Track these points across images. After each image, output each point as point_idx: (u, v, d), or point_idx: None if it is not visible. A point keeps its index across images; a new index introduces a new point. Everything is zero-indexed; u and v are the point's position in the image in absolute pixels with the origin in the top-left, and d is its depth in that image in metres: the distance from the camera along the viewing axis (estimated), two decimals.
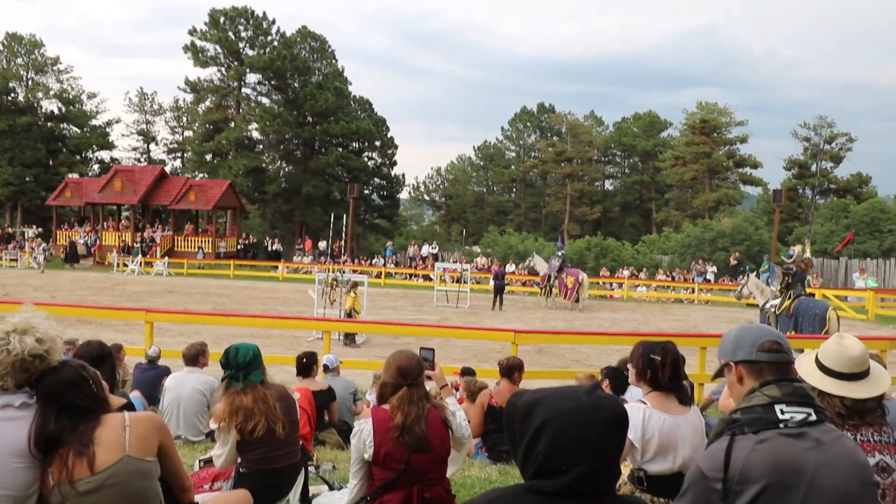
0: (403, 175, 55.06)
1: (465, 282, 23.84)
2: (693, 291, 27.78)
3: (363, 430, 3.16)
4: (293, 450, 3.51)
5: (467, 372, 7.85)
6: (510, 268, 30.89)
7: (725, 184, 49.38)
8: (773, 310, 12.97)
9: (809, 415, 2.00)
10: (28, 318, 2.54)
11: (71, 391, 2.48)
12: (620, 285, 29.93)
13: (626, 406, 3.27)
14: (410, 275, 32.78)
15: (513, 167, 58.77)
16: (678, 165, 49.14)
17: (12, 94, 47.63)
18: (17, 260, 33.46)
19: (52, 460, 2.45)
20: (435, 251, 37.39)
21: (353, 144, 50.68)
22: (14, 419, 2.45)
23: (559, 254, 24.24)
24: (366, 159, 51.69)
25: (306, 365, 6.25)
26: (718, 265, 31.73)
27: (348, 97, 50.93)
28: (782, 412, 1.99)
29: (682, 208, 50.60)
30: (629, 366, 3.42)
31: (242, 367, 3.39)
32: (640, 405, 3.18)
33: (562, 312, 21.59)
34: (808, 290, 22.28)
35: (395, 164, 54.06)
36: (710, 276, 30.17)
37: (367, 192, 50.55)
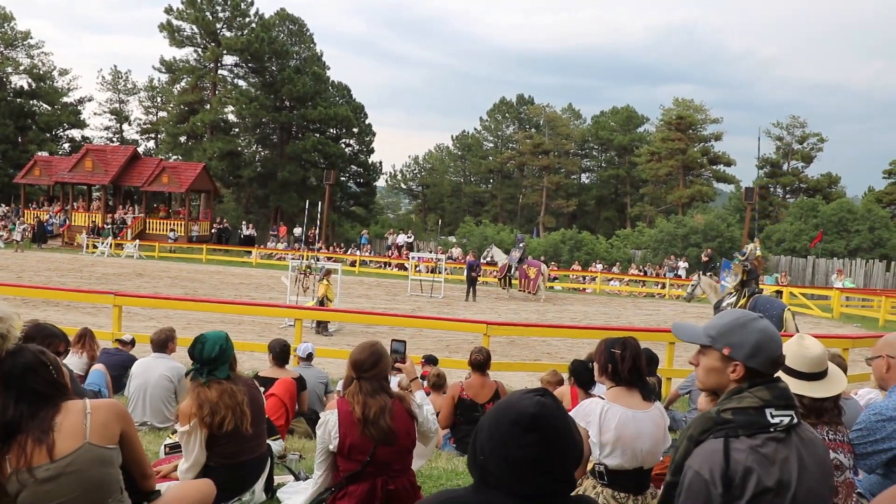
0: (381, 163, 54.83)
1: (439, 272, 23.86)
2: (664, 287, 28.13)
3: (329, 422, 3.16)
4: (259, 442, 3.50)
5: (430, 360, 7.87)
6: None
7: (699, 180, 49.97)
8: (728, 308, 12.49)
9: (792, 417, 2.05)
10: None
11: (30, 376, 2.44)
12: (593, 279, 30.20)
13: (585, 401, 3.33)
14: (385, 263, 32.73)
15: (490, 158, 58.83)
16: (653, 161, 49.59)
17: None
18: None
19: (9, 447, 2.42)
20: (411, 240, 37.36)
21: (331, 130, 50.27)
22: None
23: (520, 245, 24.37)
24: (343, 146, 51.30)
25: (283, 353, 6.23)
26: (690, 261, 32.15)
27: (326, 82, 50.46)
28: (772, 416, 2.01)
29: (656, 203, 51.13)
30: (594, 362, 3.49)
31: (207, 362, 3.35)
32: (598, 400, 3.23)
33: (535, 305, 21.73)
34: (774, 288, 22.64)
35: (372, 151, 53.79)
36: (681, 272, 30.56)
37: (343, 178, 50.23)
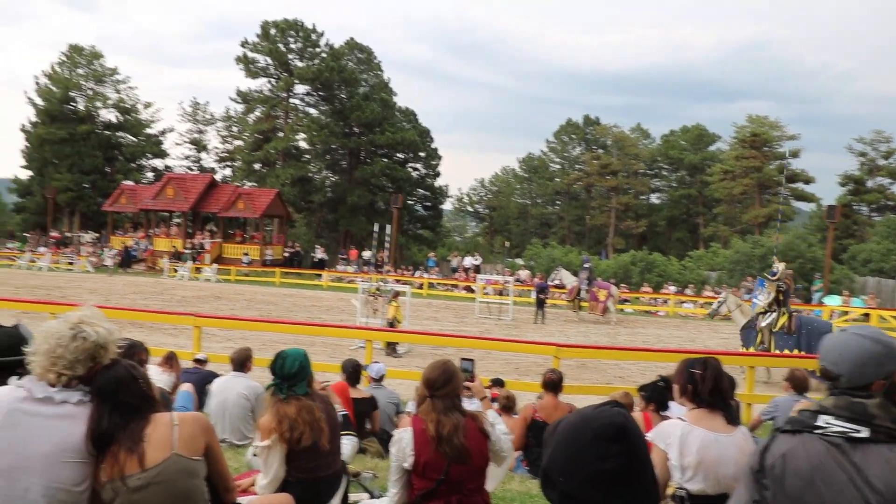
0: (447, 186, 55.33)
1: (507, 294, 23.75)
2: None
3: (403, 439, 3.18)
4: (335, 458, 3.55)
5: (497, 383, 7.83)
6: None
7: (776, 199, 48.16)
8: (768, 327, 12.69)
9: (857, 431, 1.95)
10: (90, 313, 2.65)
11: (123, 390, 2.56)
12: (665, 301, 29.41)
13: (664, 423, 3.24)
14: (453, 286, 32.83)
15: (557, 179, 58.45)
16: (727, 179, 48.13)
17: (73, 104, 49.53)
18: (73, 263, 34.65)
19: (104, 457, 2.53)
20: (478, 263, 37.39)
21: (398, 155, 51.15)
22: (70, 415, 2.54)
23: (585, 266, 24.02)
24: (410, 170, 52.09)
25: (355, 373, 6.33)
26: None
27: (393, 108, 51.49)
28: (824, 421, 2.00)
29: (730, 223, 49.48)
30: (674, 384, 3.40)
31: (287, 378, 3.44)
32: (678, 422, 3.13)
33: (605, 327, 21.32)
34: (862, 311, 21.49)
35: (438, 174, 54.37)
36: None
37: (410, 202, 50.89)
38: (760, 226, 45.10)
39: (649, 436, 3.04)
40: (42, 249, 37.22)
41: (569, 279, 24.18)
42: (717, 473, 3.00)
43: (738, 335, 14.17)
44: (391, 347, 13.87)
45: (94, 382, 2.58)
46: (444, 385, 3.22)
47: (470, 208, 63.40)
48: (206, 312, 18.21)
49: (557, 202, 59.84)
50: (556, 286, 25.43)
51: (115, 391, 2.55)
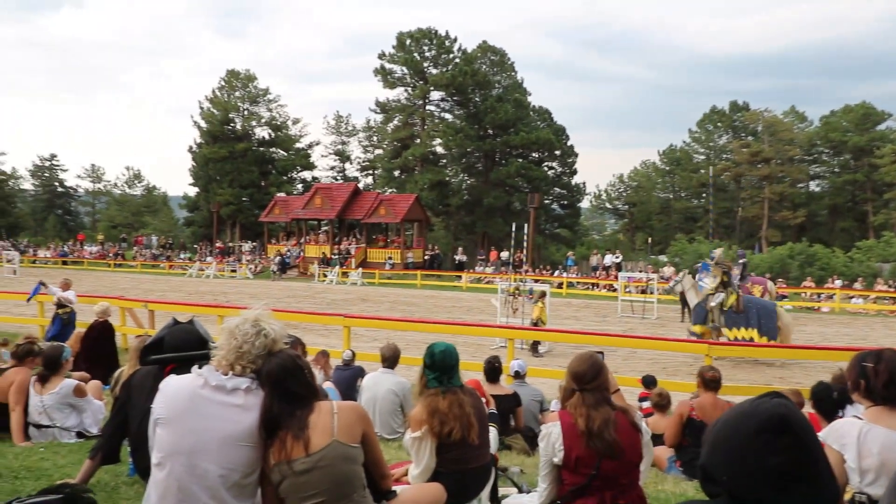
0: (584, 183, 54.28)
1: (651, 292, 22.88)
2: None
3: (552, 434, 3.15)
4: (484, 452, 3.58)
5: (649, 381, 7.54)
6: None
7: None
8: (718, 307, 13.75)
9: None
10: (263, 313, 2.89)
11: (290, 378, 2.75)
12: (831, 296, 27.02)
13: (839, 422, 2.97)
14: (593, 285, 32.13)
15: (702, 171, 55.50)
16: None
17: (231, 124, 53.88)
18: (235, 271, 37.63)
19: (272, 442, 2.72)
20: (618, 261, 36.34)
21: (533, 154, 50.89)
22: (243, 403, 2.76)
23: (741, 261, 22.43)
24: (546, 169, 51.66)
25: (495, 369, 6.37)
26: None
27: (527, 108, 51.32)
28: None
29: None
30: (847, 380, 3.12)
31: (444, 370, 3.49)
32: (854, 420, 2.86)
33: None
34: None
35: (575, 172, 53.49)
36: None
37: (547, 201, 50.45)
38: None
39: (821, 435, 2.80)
40: (209, 259, 40.74)
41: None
42: None
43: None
44: (534, 347, 13.81)
45: (261, 370, 2.78)
46: (593, 378, 3.16)
47: (608, 205, 61.80)
48: (354, 314, 19.09)
49: (703, 194, 56.78)
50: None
51: (283, 379, 2.74)
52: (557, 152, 51.97)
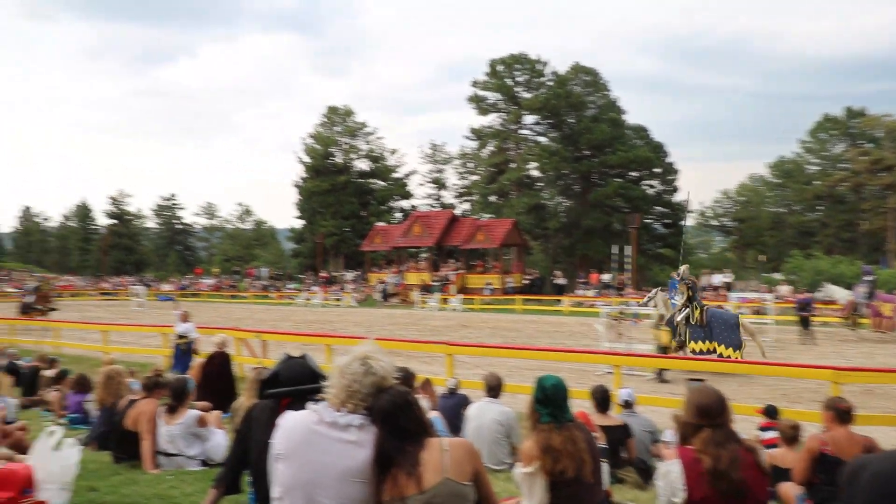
0: (687, 201, 52.36)
1: (766, 313, 21.65)
2: None
3: (671, 473, 3.00)
4: (599, 489, 3.46)
5: (770, 412, 7.08)
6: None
7: None
8: (683, 321, 14.13)
9: None
10: (372, 349, 2.94)
11: (402, 415, 2.77)
12: None
13: None
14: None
15: (817, 182, 52.33)
16: None
17: (332, 158, 56.04)
18: (339, 299, 38.78)
19: (384, 478, 2.74)
20: (728, 280, 34.68)
21: (632, 173, 49.78)
22: (356, 439, 2.80)
23: (866, 278, 20.97)
24: (645, 188, 50.33)
25: (606, 399, 6.19)
26: None
27: (623, 126, 50.37)
28: None
29: None
30: None
31: (559, 403, 3.41)
32: None
33: (893, 347, 18.40)
34: None
35: (676, 189, 51.79)
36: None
37: (648, 221, 49.06)
38: None
39: None
40: (314, 288, 42.23)
41: (840, 293, 21.48)
42: None
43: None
44: (660, 373, 13.26)
45: (373, 406, 2.82)
46: (720, 413, 2.99)
47: (715, 222, 59.30)
48: (455, 340, 19.15)
49: (819, 207, 53.45)
50: (825, 301, 22.61)
51: (394, 415, 2.76)
52: (657, 170, 50.56)
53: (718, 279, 34.81)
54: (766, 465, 3.05)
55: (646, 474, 6.18)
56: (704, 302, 18.34)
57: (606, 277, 35.68)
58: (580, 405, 9.15)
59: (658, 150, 50.72)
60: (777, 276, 37.96)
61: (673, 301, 15.33)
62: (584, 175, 49.99)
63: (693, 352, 13.67)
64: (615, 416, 6.70)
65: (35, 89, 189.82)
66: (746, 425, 6.75)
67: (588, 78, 51.72)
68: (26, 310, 25.07)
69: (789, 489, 5.01)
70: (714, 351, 13.43)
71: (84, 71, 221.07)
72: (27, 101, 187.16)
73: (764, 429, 6.88)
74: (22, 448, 5.54)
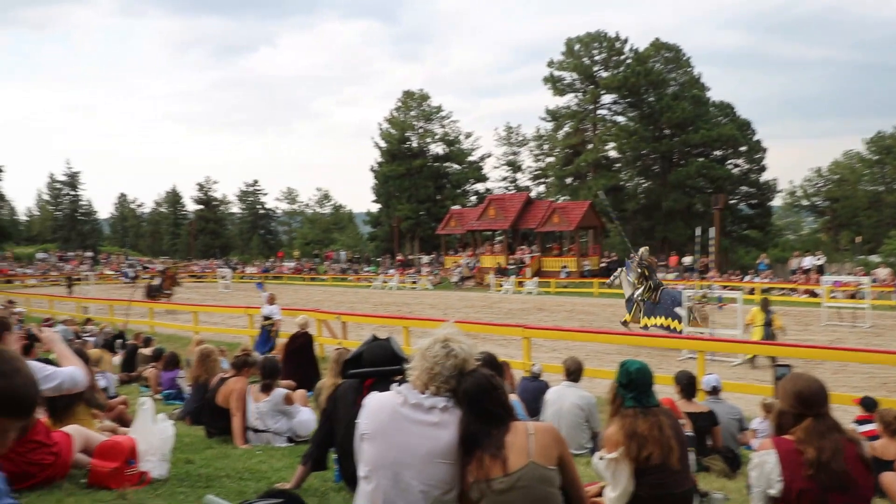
0: (775, 180, 50.05)
1: (862, 297, 20.48)
2: None
3: (766, 463, 2.88)
4: (686, 476, 3.37)
5: (868, 404, 6.71)
6: None
7: None
8: (640, 298, 15.85)
9: None
10: (452, 331, 2.94)
11: (486, 398, 2.77)
12: None
13: None
14: (791, 290, 29.41)
15: None
16: None
17: (408, 142, 56.48)
18: (415, 282, 39.23)
19: (469, 460, 2.75)
20: (820, 263, 32.98)
21: (715, 153, 47.93)
22: (439, 421, 2.82)
23: None
24: (730, 167, 48.40)
25: (692, 385, 6.02)
26: None
27: (707, 104, 48.49)
28: None
29: None
30: None
31: (644, 388, 3.33)
32: None
33: None
34: None
35: (764, 169, 49.55)
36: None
37: (733, 201, 47.18)
38: None
39: None
40: (391, 271, 42.86)
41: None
42: None
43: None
44: (753, 360, 12.74)
45: (457, 389, 2.83)
46: (823, 402, 2.85)
47: (805, 202, 56.47)
48: (531, 323, 19.05)
49: None
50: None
51: (480, 398, 2.77)
52: (743, 148, 48.47)
53: (809, 262, 33.14)
54: (869, 456, 2.89)
55: (732, 462, 6.00)
56: (711, 283, 20.24)
57: (688, 260, 34.59)
58: (662, 391, 8.95)
59: (744, 127, 48.59)
60: (874, 258, 35.81)
61: (629, 279, 16.89)
62: (664, 155, 48.48)
63: (645, 327, 15.35)
64: (700, 403, 6.51)
65: (129, 83, 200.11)
66: (842, 415, 6.44)
67: (669, 54, 49.97)
68: (153, 293, 25.26)
69: (894, 479, 4.75)
70: (664, 325, 15.02)
71: (172, 64, 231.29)
72: (124, 95, 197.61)
73: (860, 422, 6.54)
74: (124, 421, 5.89)
